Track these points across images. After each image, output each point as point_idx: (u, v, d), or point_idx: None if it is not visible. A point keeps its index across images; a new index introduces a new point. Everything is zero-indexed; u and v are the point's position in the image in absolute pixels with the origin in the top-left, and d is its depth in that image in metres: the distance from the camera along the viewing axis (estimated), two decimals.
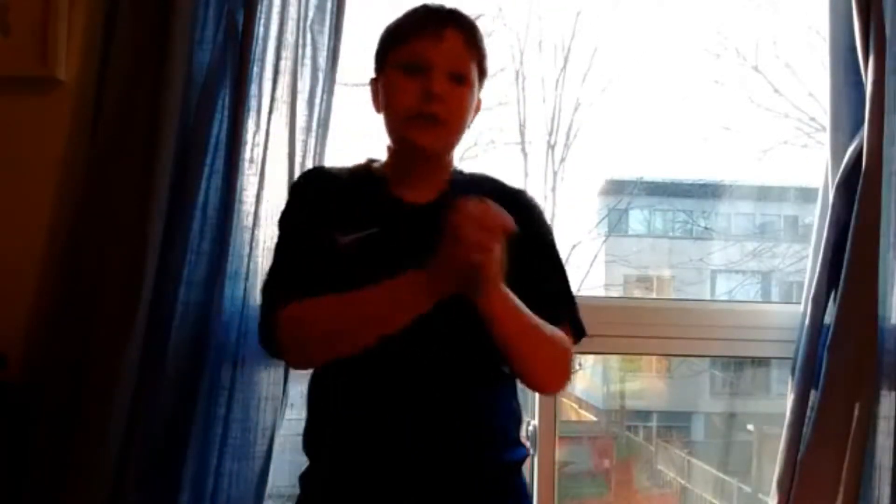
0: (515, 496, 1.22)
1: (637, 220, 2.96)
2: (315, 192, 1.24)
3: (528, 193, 1.31)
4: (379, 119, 1.26)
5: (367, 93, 1.29)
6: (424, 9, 1.23)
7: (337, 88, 1.51)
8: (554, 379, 1.23)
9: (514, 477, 1.22)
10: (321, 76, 1.49)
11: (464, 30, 1.21)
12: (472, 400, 1.16)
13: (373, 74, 1.28)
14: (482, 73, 1.26)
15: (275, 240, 1.28)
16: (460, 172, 1.30)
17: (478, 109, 1.29)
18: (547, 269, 1.25)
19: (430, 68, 1.17)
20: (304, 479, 1.21)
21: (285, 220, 1.25)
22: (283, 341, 1.13)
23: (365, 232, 1.16)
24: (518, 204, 1.20)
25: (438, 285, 1.04)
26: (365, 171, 1.28)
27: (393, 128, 1.23)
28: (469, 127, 1.26)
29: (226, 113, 1.42)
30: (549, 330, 1.15)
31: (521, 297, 1.10)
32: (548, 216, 1.35)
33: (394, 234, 1.17)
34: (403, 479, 1.12)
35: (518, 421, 1.26)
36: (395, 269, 1.06)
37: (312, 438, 1.21)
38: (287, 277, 1.17)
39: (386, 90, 1.23)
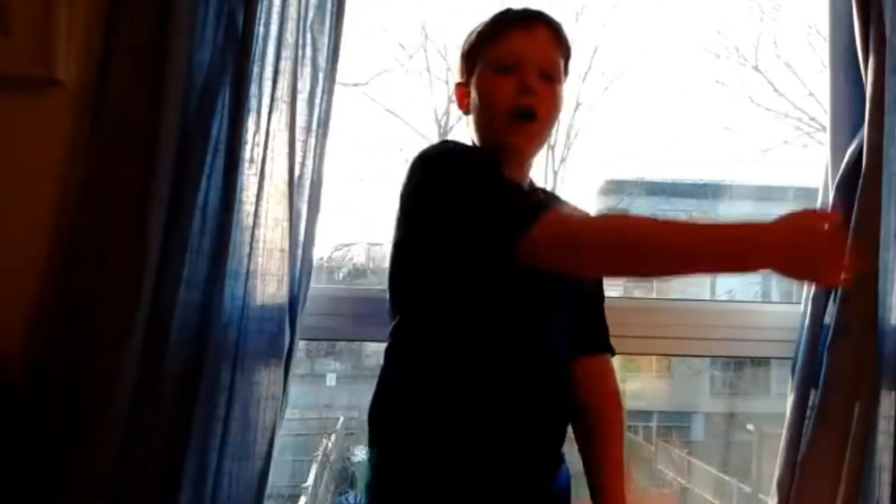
0: None
1: None
2: None
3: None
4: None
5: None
6: (512, 10, 1.25)
7: (337, 88, 1.50)
8: None
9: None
10: (321, 76, 1.49)
11: (553, 27, 1.23)
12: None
13: (458, 78, 1.28)
14: (567, 73, 1.27)
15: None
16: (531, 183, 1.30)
17: (559, 110, 1.28)
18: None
19: (522, 65, 1.19)
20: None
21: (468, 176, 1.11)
22: (549, 241, 1.04)
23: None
24: None
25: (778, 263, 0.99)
26: None
27: (487, 129, 1.23)
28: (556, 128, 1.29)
29: (226, 113, 1.41)
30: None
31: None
32: None
33: None
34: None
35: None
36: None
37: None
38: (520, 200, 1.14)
39: (479, 89, 1.23)
